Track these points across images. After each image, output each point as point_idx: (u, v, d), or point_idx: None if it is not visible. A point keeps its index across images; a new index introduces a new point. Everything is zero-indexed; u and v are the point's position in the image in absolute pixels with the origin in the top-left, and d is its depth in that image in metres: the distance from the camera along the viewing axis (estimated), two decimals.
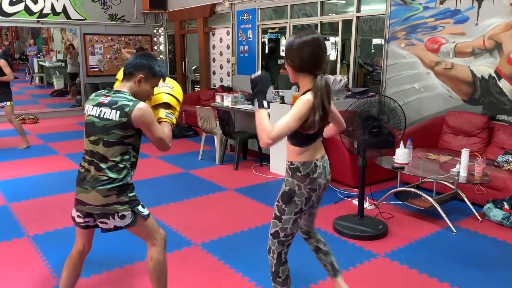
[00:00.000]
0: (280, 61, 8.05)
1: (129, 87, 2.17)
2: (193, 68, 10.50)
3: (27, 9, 8.88)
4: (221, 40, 8.96)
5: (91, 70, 9.97)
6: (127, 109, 2.06)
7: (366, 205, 4.09)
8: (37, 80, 14.32)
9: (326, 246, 2.47)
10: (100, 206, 2.11)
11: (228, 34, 8.69)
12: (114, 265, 3.06)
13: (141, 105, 2.08)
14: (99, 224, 2.18)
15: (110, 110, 2.08)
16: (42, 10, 9.04)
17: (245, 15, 8.09)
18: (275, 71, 7.58)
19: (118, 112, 2.06)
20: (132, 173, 2.19)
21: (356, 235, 3.52)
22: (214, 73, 9.40)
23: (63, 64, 13.33)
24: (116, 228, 2.16)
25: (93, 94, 2.23)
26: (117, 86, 2.29)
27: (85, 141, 2.17)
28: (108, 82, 9.94)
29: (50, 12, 9.15)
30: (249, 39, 8.12)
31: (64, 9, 9.30)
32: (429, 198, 3.83)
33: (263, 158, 5.73)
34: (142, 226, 2.22)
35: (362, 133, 3.52)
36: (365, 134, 3.50)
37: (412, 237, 3.55)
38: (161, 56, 10.70)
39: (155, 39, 10.81)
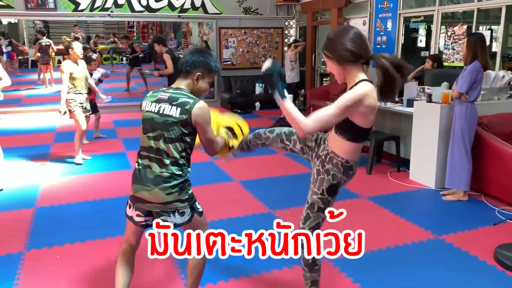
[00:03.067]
0: (424, 54, 7.22)
1: (187, 84, 2.18)
2: (322, 60, 10.11)
3: (170, 4, 9.38)
4: None
5: (224, 63, 10.19)
6: (187, 107, 2.06)
7: None
8: None
9: None
10: (162, 204, 2.10)
11: (364, 24, 8.09)
12: (240, 274, 2.89)
13: (201, 104, 2.09)
14: (160, 222, 2.12)
15: (170, 106, 2.08)
16: (183, 5, 9.47)
17: (385, 3, 7.42)
18: (417, 65, 6.79)
19: (179, 109, 2.06)
20: (190, 169, 2.19)
21: None
22: None
23: None
24: (175, 225, 2.14)
25: (151, 92, 2.24)
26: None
27: (144, 137, 2.16)
28: (239, 75, 10.10)
29: (190, 7, 9.55)
30: (388, 29, 7.43)
31: (203, 4, 9.63)
32: None
33: (401, 163, 5.12)
34: (196, 222, 2.22)
35: None
36: None
37: None
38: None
39: (286, 31, 10.66)
